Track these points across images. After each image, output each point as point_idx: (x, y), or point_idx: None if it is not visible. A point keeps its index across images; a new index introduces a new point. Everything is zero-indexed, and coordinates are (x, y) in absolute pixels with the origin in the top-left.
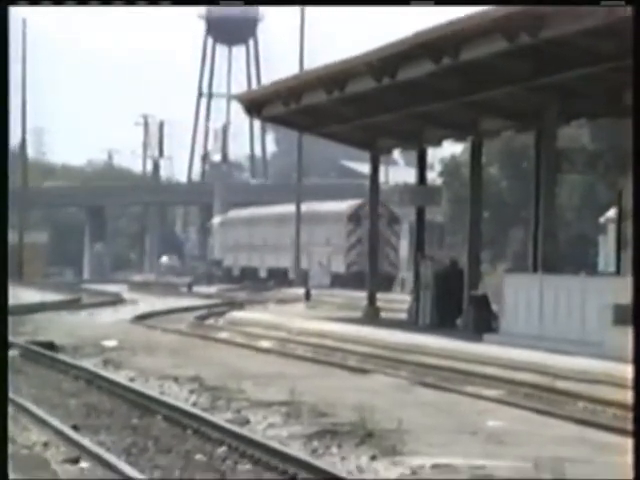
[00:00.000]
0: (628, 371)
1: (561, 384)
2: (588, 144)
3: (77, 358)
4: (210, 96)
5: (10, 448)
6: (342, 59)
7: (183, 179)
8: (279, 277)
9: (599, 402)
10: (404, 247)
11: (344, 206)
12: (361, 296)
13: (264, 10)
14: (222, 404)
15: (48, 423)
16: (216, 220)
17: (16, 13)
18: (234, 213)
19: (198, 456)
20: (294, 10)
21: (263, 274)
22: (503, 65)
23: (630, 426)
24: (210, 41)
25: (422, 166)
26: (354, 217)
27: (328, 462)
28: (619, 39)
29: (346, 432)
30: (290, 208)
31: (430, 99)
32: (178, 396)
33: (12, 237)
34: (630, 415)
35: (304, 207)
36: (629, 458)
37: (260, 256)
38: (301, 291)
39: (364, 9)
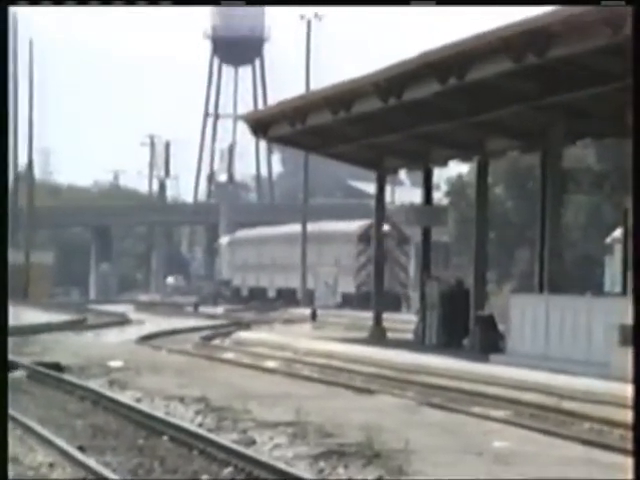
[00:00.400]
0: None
1: (567, 405)
2: (594, 164)
3: (83, 379)
4: (216, 116)
5: (16, 469)
6: (348, 79)
7: (189, 199)
8: (288, 297)
9: (605, 423)
10: (413, 267)
11: (354, 226)
12: (368, 316)
13: (270, 27)
14: (228, 424)
15: (54, 444)
16: (224, 240)
17: (24, 31)
18: (242, 233)
19: (204, 477)
20: (301, 28)
21: (272, 294)
22: (509, 85)
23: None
24: (216, 61)
25: (428, 186)
26: (364, 237)
27: None
28: (626, 58)
29: (353, 453)
30: (299, 228)
31: (436, 119)
32: (184, 417)
33: (18, 257)
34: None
35: (314, 227)
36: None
37: (269, 276)
38: (308, 311)
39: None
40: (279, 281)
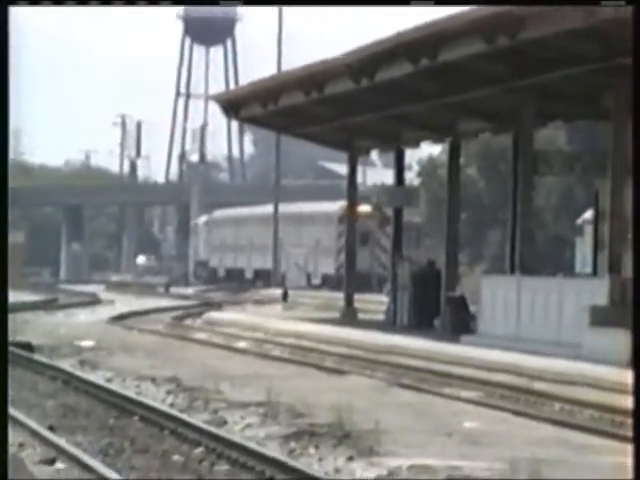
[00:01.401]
0: (604, 372)
1: (538, 385)
2: (565, 146)
3: (54, 359)
4: (188, 96)
5: None
6: (320, 60)
7: (161, 179)
8: (265, 278)
9: (576, 403)
10: None
11: (335, 207)
12: (339, 297)
13: (242, 10)
14: (199, 405)
15: (24, 424)
16: (201, 220)
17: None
18: (220, 213)
19: (175, 457)
20: (272, 10)
21: (249, 275)
22: (481, 66)
23: (608, 427)
24: (188, 41)
25: (400, 167)
26: (345, 218)
27: (305, 463)
28: (598, 41)
29: (323, 433)
30: (279, 208)
31: (408, 100)
32: (155, 397)
33: None
34: (607, 416)
35: (293, 208)
36: (606, 458)
37: (246, 257)
38: (279, 292)
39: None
40: (257, 262)
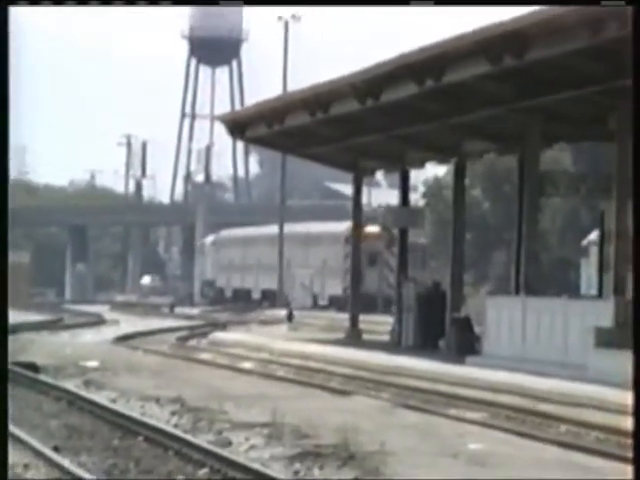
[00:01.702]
0: (610, 394)
1: (543, 407)
2: (570, 167)
3: (59, 379)
4: (193, 117)
5: None
6: (326, 80)
7: (166, 199)
8: (272, 299)
9: (581, 425)
10: None
11: (342, 227)
12: (344, 318)
13: (248, 29)
14: (204, 425)
15: (29, 444)
16: (208, 239)
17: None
18: (227, 232)
19: (180, 478)
20: (278, 29)
21: (256, 295)
22: (486, 87)
23: (614, 449)
24: (194, 62)
25: (405, 188)
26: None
27: None
28: (604, 60)
29: (328, 454)
30: (285, 228)
31: (413, 121)
32: (160, 417)
33: None
34: (613, 438)
35: (300, 228)
36: None
37: (253, 277)
38: (284, 312)
39: (354, 20)
40: (264, 283)
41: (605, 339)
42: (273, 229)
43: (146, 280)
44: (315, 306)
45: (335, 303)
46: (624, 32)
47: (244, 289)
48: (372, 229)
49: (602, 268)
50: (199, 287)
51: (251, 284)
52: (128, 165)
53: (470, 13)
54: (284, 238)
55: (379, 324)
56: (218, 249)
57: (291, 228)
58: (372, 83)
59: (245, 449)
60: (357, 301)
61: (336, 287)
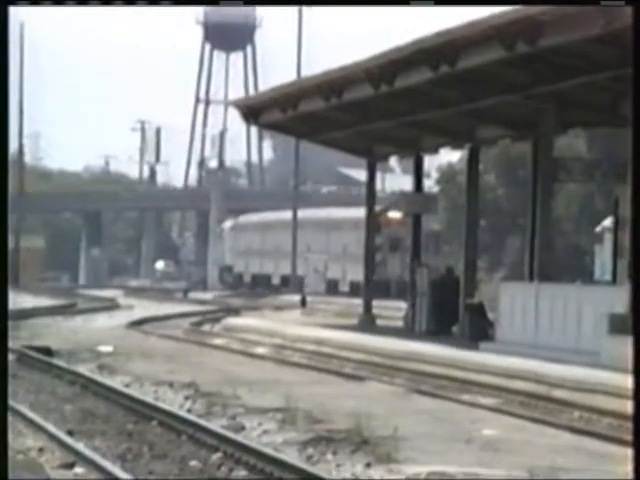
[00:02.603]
0: (623, 380)
1: (557, 393)
2: (584, 153)
3: (72, 363)
4: (207, 102)
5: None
6: (340, 66)
7: (180, 185)
8: (293, 284)
9: (595, 411)
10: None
11: (364, 212)
12: (358, 303)
13: (262, 16)
14: (217, 410)
15: (43, 428)
16: (227, 224)
17: (14, 15)
18: (246, 217)
19: (193, 462)
20: (292, 15)
21: (276, 281)
22: (501, 73)
23: (627, 436)
24: (208, 47)
25: (419, 174)
26: (375, 224)
27: (323, 469)
28: (618, 47)
29: (341, 439)
30: (304, 213)
31: (427, 107)
32: (173, 402)
33: (9, 241)
34: (626, 424)
35: (322, 213)
36: (627, 468)
37: (273, 262)
38: (298, 298)
39: (365, 9)
40: (284, 268)
41: (619, 325)
42: (291, 214)
43: (160, 265)
44: (336, 292)
45: (357, 289)
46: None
47: (263, 274)
48: (395, 215)
49: (616, 254)
50: (218, 272)
51: (270, 269)
52: (142, 151)
53: (472, 14)
54: (305, 224)
55: (394, 310)
56: (237, 234)
57: (312, 213)
58: (386, 68)
59: (258, 434)
60: (370, 286)
61: (358, 274)
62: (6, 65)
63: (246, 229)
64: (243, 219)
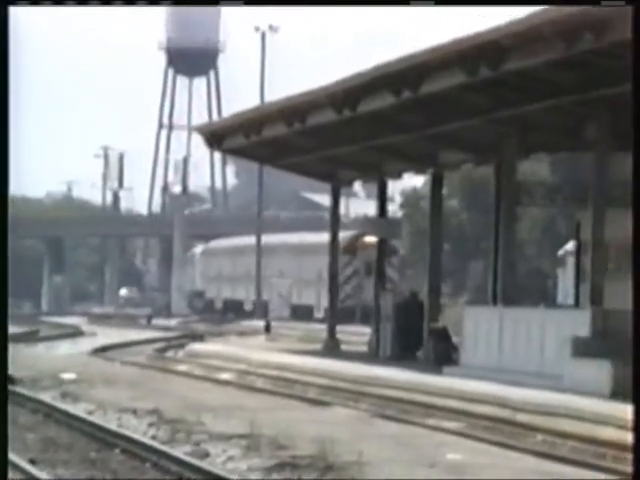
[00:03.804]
0: (586, 404)
1: (520, 417)
2: (547, 177)
3: (35, 391)
4: (170, 127)
5: None
6: (303, 91)
7: (143, 211)
8: (265, 310)
9: (558, 435)
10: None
11: (338, 237)
12: (321, 328)
13: (225, 41)
14: (181, 437)
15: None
16: (198, 249)
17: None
18: (216, 243)
19: None
20: (255, 40)
21: (248, 307)
22: (463, 98)
23: (590, 459)
24: (171, 72)
25: (383, 198)
26: (349, 249)
27: None
28: (581, 71)
29: (306, 465)
30: (278, 238)
31: (390, 131)
32: (137, 429)
33: None
34: (589, 448)
35: (295, 238)
36: None
37: (245, 288)
38: (261, 323)
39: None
40: (255, 293)
41: (582, 349)
42: (264, 239)
43: (123, 292)
44: (310, 319)
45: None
46: (598, 44)
47: (235, 300)
48: (369, 239)
49: (579, 278)
50: (187, 298)
51: (242, 295)
52: (105, 177)
53: (471, 14)
54: (278, 249)
55: (358, 335)
56: (208, 259)
57: (285, 238)
58: (349, 93)
59: (223, 460)
60: (334, 312)
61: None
62: (6, 65)
63: (217, 254)
64: (214, 244)
